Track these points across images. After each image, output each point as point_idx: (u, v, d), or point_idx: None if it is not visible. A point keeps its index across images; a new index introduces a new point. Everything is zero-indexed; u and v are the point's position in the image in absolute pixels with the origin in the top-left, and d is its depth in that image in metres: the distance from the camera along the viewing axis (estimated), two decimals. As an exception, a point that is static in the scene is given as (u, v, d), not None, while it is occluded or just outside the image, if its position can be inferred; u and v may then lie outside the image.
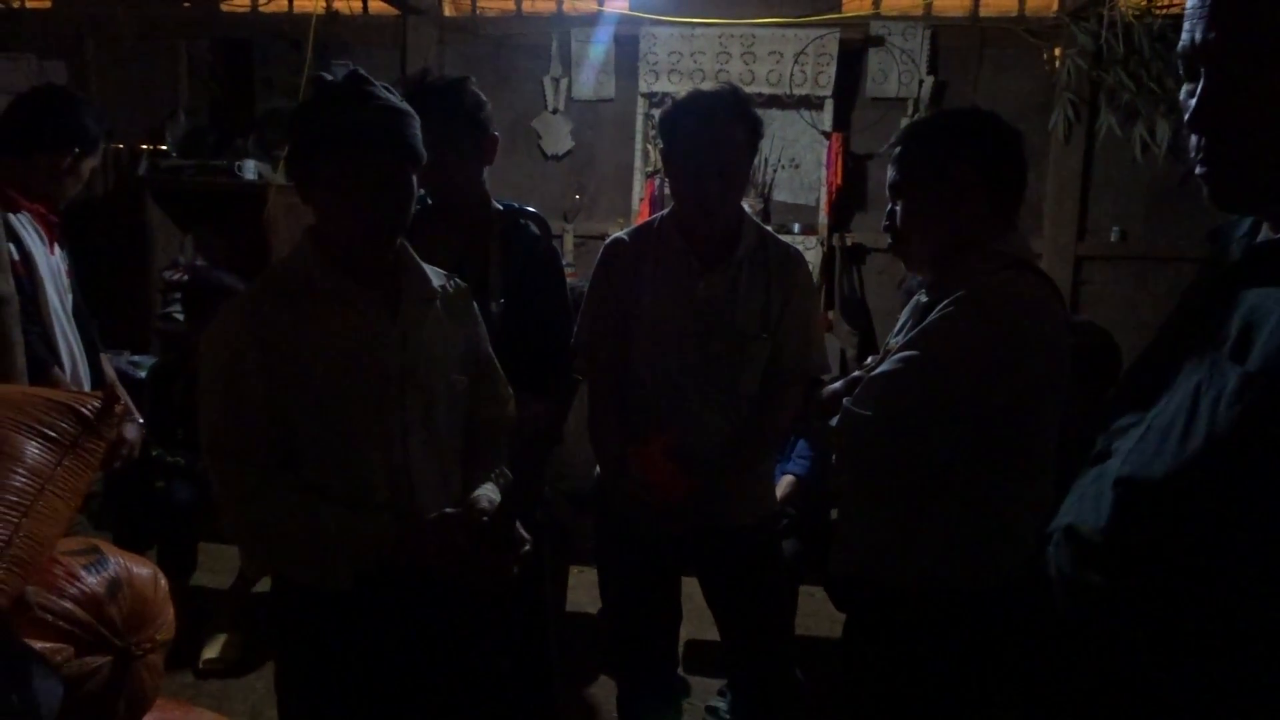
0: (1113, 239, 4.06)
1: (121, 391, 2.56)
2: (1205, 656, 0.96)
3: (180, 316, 3.92)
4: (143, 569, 1.79)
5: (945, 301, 1.42)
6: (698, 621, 2.27)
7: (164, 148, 4.36)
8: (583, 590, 3.54)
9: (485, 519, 1.48)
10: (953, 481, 1.37)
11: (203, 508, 2.93)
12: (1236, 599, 0.94)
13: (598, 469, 2.12)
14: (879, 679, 1.51)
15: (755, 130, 1.88)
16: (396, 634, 1.51)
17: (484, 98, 2.01)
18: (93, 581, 1.67)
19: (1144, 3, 3.65)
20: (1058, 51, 3.89)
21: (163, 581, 1.83)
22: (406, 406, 1.48)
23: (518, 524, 1.53)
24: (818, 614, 3.05)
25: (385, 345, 1.48)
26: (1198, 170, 1.02)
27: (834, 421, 1.47)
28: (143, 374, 3.42)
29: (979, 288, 1.37)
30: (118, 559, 1.76)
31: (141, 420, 2.62)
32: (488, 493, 1.58)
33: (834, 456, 1.56)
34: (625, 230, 2.10)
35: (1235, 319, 0.98)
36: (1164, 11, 3.61)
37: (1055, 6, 3.98)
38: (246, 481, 1.42)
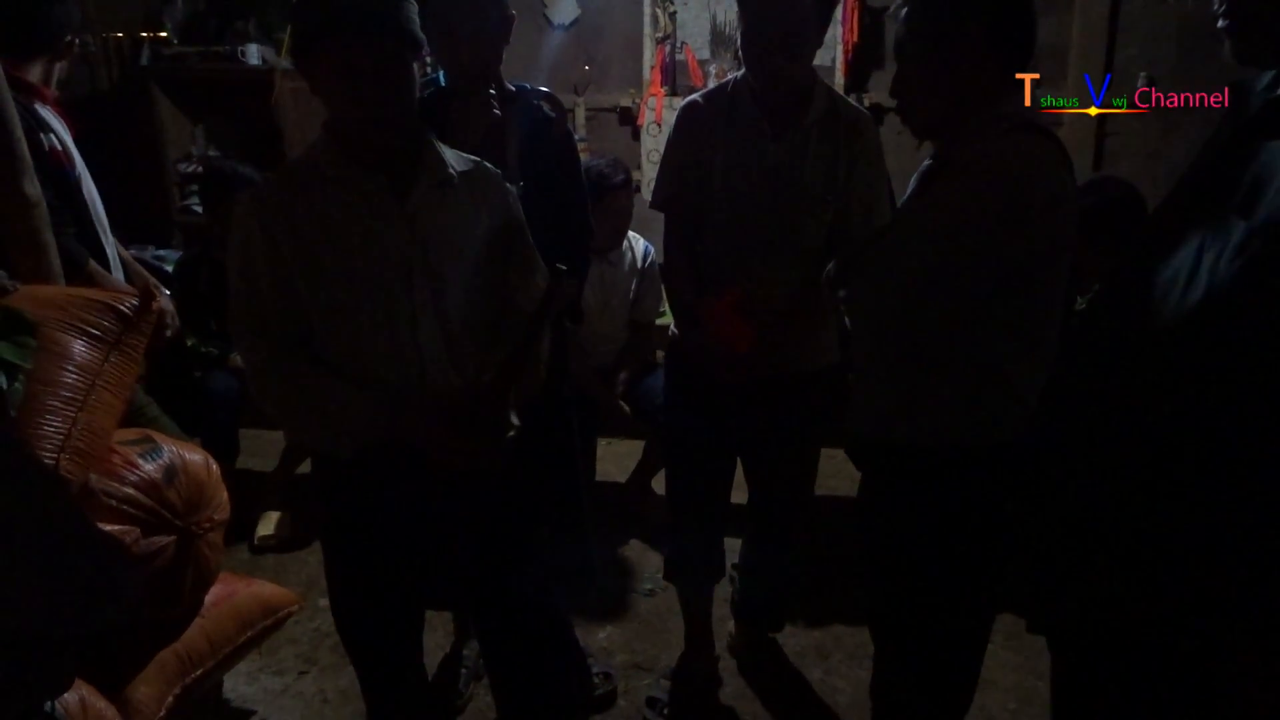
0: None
1: (159, 289, 2.61)
2: (1199, 498, 1.01)
3: (200, 209, 3.94)
4: (194, 455, 1.90)
5: (949, 167, 1.41)
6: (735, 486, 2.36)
7: (164, 35, 4.27)
8: (611, 461, 3.67)
9: (466, 404, 1.51)
10: (958, 345, 1.39)
11: (240, 395, 3.03)
12: (1235, 449, 0.98)
13: (671, 326, 2.23)
14: (891, 532, 1.58)
15: None
16: (428, 501, 1.58)
17: None
18: (150, 468, 1.77)
19: None
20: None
21: (214, 466, 1.94)
22: (414, 290, 1.52)
23: (509, 411, 1.56)
24: (839, 474, 3.16)
25: (391, 230, 1.50)
26: (1220, 23, 1.01)
27: (843, 291, 1.50)
28: (169, 268, 3.46)
29: (982, 152, 1.35)
30: (170, 446, 1.86)
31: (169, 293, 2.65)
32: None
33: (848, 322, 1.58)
34: (700, 92, 2.12)
35: (1248, 174, 0.99)
36: None
37: None
38: (261, 354, 1.51)
